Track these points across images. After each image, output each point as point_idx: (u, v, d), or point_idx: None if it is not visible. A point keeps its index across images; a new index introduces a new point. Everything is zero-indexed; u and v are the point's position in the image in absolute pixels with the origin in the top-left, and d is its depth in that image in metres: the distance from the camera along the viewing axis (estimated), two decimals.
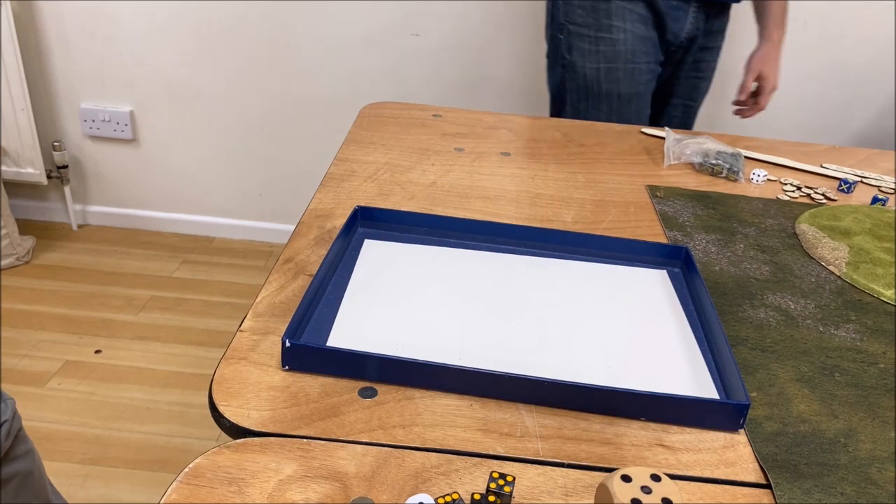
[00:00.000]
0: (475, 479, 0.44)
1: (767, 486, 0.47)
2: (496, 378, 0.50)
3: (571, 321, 0.61)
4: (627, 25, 1.18)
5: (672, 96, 1.33)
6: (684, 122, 1.36)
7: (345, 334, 0.56)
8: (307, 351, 0.51)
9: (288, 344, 0.51)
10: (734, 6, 1.25)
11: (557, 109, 1.31)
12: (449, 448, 0.47)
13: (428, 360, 0.51)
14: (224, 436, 0.47)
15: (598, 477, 0.46)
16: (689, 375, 0.56)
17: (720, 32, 1.29)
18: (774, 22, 1.26)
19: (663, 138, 1.03)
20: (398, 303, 0.61)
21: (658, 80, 1.30)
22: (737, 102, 1.29)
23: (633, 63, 1.20)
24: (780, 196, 0.90)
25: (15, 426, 0.82)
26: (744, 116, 1.31)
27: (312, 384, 0.51)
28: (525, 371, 0.52)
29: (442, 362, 0.51)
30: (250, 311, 0.58)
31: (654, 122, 1.35)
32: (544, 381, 0.50)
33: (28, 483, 0.86)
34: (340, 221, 0.73)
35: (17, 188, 2.05)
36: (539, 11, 1.77)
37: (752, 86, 1.27)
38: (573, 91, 1.25)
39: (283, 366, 0.52)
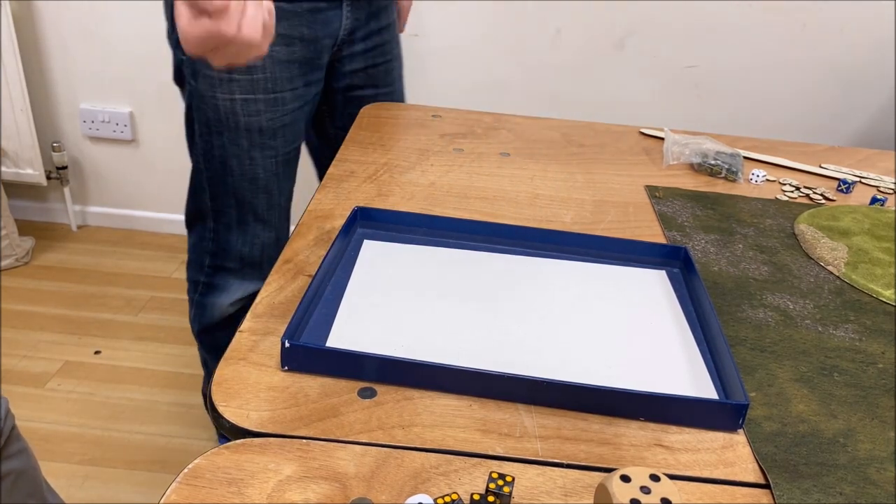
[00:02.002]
0: (474, 479, 0.44)
1: (766, 486, 0.47)
2: (495, 378, 0.50)
3: (570, 321, 0.61)
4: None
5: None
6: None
7: (344, 335, 0.56)
8: (306, 351, 0.51)
9: (287, 344, 0.51)
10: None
11: (190, 132, 1.08)
12: (448, 448, 0.47)
13: (427, 361, 0.51)
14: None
15: (597, 477, 0.46)
16: (688, 375, 0.56)
17: (377, 34, 1.13)
18: None
19: (662, 139, 1.03)
20: (397, 303, 0.61)
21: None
22: None
23: (276, 93, 1.02)
24: (778, 196, 0.90)
25: (8, 425, 0.82)
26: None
27: (312, 385, 0.51)
28: (524, 371, 0.52)
29: (441, 363, 0.51)
30: (249, 312, 0.58)
31: (325, 145, 1.20)
32: (543, 382, 0.50)
33: (22, 482, 0.86)
34: (340, 222, 0.73)
35: (16, 189, 2.05)
36: (540, 10, 1.78)
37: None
38: (202, 123, 1.03)
39: (283, 366, 0.52)
